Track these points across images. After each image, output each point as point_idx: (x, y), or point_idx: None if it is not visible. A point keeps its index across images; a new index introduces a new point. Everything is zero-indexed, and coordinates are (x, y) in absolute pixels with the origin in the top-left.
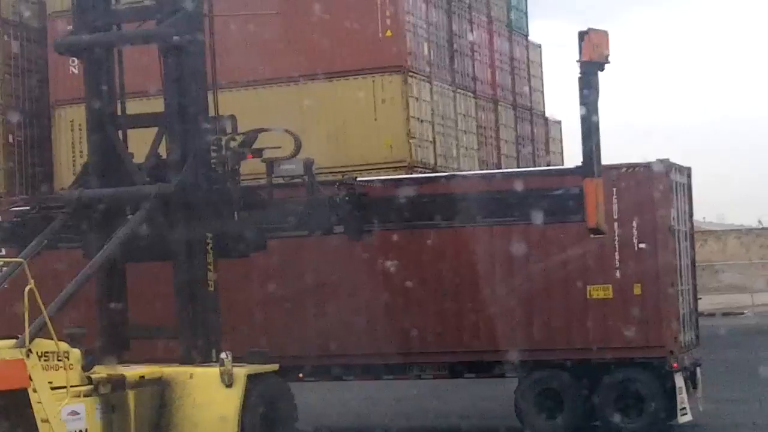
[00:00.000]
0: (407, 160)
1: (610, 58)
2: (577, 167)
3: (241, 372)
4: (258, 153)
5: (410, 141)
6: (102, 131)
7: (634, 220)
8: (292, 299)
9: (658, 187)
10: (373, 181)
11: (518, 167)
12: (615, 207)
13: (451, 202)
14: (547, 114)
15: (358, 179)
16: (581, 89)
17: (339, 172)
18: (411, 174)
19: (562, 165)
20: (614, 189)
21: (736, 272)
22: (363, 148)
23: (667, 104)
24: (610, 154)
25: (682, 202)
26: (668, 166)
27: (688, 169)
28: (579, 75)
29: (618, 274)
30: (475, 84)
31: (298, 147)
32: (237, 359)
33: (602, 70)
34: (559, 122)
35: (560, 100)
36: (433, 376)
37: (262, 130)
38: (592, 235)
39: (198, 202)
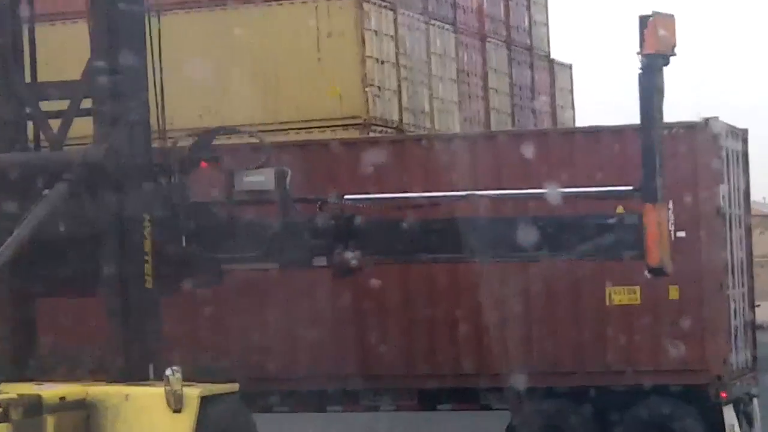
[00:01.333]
0: (362, 115)
1: (677, 49)
2: (634, 189)
3: (193, 393)
4: (215, 160)
5: (366, 90)
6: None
7: (670, 199)
8: (213, 302)
9: (703, 155)
10: (367, 200)
11: (513, 126)
12: None
13: (467, 231)
14: (554, 55)
15: (346, 197)
16: (642, 90)
17: (267, 130)
18: (368, 134)
19: (573, 124)
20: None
21: None
22: (302, 99)
23: (717, 53)
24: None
25: (736, 176)
26: (718, 127)
27: (744, 131)
28: (639, 71)
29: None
30: (455, 13)
31: (267, 154)
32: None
33: (667, 64)
34: (570, 66)
35: (571, 36)
36: (396, 407)
37: (221, 130)
38: (650, 276)
39: (133, 174)
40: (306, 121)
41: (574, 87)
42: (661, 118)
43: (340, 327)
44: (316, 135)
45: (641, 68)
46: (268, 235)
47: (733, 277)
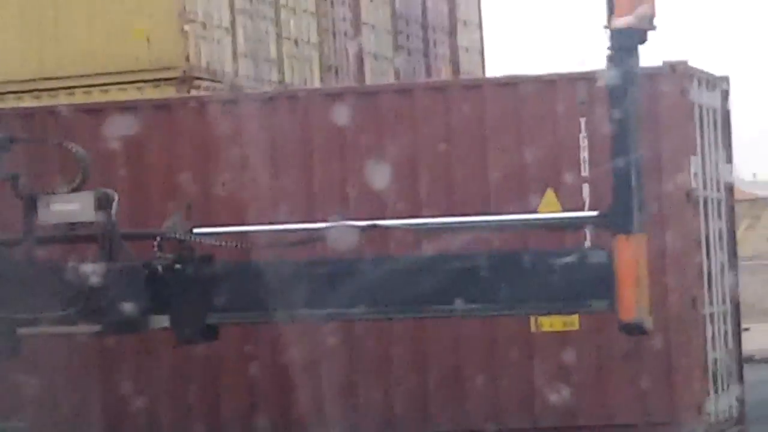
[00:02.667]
0: (181, 65)
1: (656, 21)
2: (601, 215)
3: None
4: (12, 179)
5: (186, 28)
6: None
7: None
8: None
9: (667, 115)
10: (221, 234)
11: (397, 79)
12: (584, 154)
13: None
14: None
15: (195, 230)
16: (614, 78)
17: (44, 89)
18: (188, 92)
19: (482, 74)
20: (582, 120)
21: None
22: (91, 45)
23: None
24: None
25: (713, 144)
26: (687, 74)
27: (724, 80)
28: (608, 51)
29: None
30: None
31: (84, 173)
32: None
33: (645, 41)
34: None
35: None
36: None
37: (13, 139)
38: (624, 333)
39: None
40: (99, 74)
41: (483, 21)
42: (639, 118)
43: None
44: (116, 95)
45: (611, 48)
46: (85, 287)
47: (711, 288)
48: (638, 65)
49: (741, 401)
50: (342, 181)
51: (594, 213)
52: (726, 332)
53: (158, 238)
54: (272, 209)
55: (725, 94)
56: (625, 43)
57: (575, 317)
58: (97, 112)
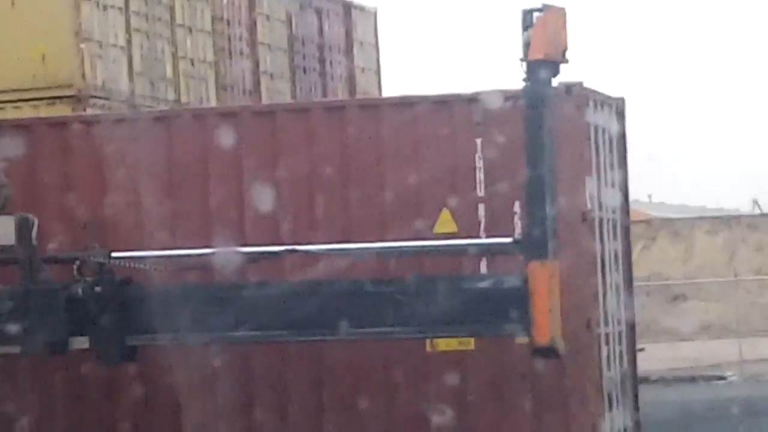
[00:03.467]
0: (76, 83)
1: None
2: (516, 242)
3: None
4: None
5: (82, 47)
6: None
7: (515, 200)
8: None
9: (563, 136)
10: (143, 258)
11: (294, 99)
12: (480, 175)
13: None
14: None
15: (115, 255)
16: (529, 109)
17: None
18: (84, 111)
19: (378, 94)
20: (479, 141)
21: (712, 298)
22: None
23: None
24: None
25: (609, 164)
26: (581, 95)
27: (620, 102)
28: (524, 84)
29: None
30: None
31: (4, 196)
32: None
33: (557, 74)
34: (374, 12)
35: None
36: None
37: None
38: (539, 356)
39: None
40: None
41: (380, 41)
42: (553, 146)
43: None
44: (10, 113)
45: (527, 79)
46: (5, 309)
47: (606, 309)
48: (552, 96)
49: (636, 422)
50: (238, 202)
51: (508, 239)
52: (621, 352)
53: (78, 262)
54: (168, 230)
55: (621, 115)
56: (540, 75)
57: (470, 339)
58: (60, 126)
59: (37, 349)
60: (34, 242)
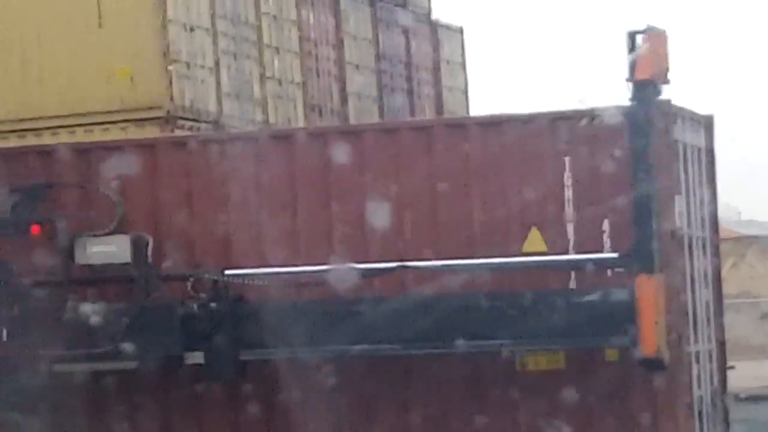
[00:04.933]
0: (164, 105)
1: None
2: (624, 256)
3: None
4: (50, 222)
5: (170, 68)
6: None
7: (604, 218)
8: None
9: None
10: (252, 276)
11: (382, 118)
12: (569, 194)
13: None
14: (435, 15)
15: (228, 272)
16: (634, 127)
17: (26, 130)
18: (172, 132)
19: (466, 113)
20: (567, 159)
21: None
22: (75, 85)
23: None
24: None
25: (698, 182)
26: (670, 113)
27: (708, 119)
28: (631, 101)
29: None
30: None
31: (119, 215)
32: None
33: (660, 94)
34: (460, 30)
35: None
36: None
37: (49, 185)
38: (645, 367)
39: None
40: (82, 115)
41: (467, 59)
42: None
43: None
44: (99, 135)
45: (633, 98)
46: (122, 325)
47: (696, 326)
48: (655, 115)
49: None
50: (329, 221)
51: (615, 254)
52: (711, 370)
53: (192, 279)
54: (268, 249)
55: (710, 133)
56: (646, 94)
57: (561, 355)
58: (84, 152)
59: (153, 364)
60: (149, 260)
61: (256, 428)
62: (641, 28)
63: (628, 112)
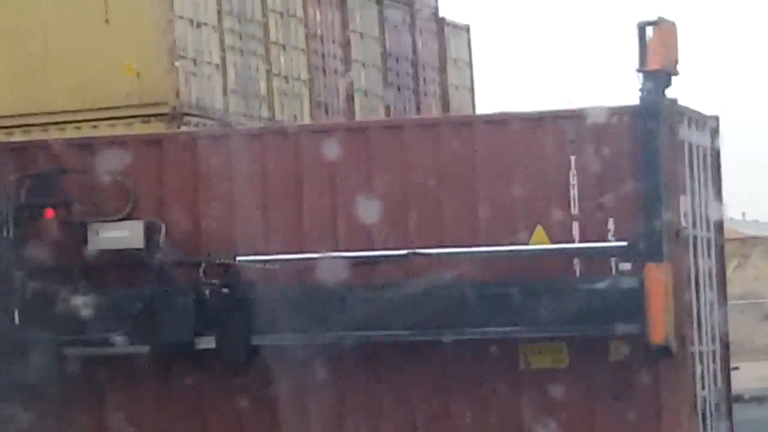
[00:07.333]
0: (170, 100)
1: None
2: (630, 245)
3: None
4: (66, 206)
5: (176, 65)
6: None
7: (610, 218)
8: None
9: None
10: (267, 261)
11: (388, 115)
12: (574, 192)
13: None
14: (442, 13)
15: (239, 258)
16: (644, 117)
17: (32, 125)
18: (178, 128)
19: (472, 111)
20: (572, 158)
21: None
22: (81, 80)
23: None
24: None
25: (702, 182)
26: (675, 112)
27: (714, 120)
28: (640, 93)
29: None
30: None
31: (132, 202)
32: None
33: (669, 85)
34: (466, 29)
35: None
36: None
37: (62, 170)
38: (654, 354)
39: None
40: (88, 110)
41: (473, 57)
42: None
43: None
44: (105, 130)
45: (642, 89)
46: (134, 310)
47: (701, 326)
48: (664, 106)
49: None
50: (332, 216)
51: (623, 243)
52: (715, 371)
53: (203, 265)
54: (262, 242)
55: (715, 133)
56: (656, 85)
57: (565, 354)
58: (88, 146)
59: (165, 349)
60: (162, 245)
61: (258, 417)
62: (652, 19)
63: (634, 111)
